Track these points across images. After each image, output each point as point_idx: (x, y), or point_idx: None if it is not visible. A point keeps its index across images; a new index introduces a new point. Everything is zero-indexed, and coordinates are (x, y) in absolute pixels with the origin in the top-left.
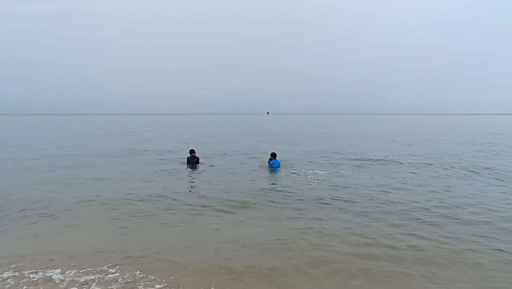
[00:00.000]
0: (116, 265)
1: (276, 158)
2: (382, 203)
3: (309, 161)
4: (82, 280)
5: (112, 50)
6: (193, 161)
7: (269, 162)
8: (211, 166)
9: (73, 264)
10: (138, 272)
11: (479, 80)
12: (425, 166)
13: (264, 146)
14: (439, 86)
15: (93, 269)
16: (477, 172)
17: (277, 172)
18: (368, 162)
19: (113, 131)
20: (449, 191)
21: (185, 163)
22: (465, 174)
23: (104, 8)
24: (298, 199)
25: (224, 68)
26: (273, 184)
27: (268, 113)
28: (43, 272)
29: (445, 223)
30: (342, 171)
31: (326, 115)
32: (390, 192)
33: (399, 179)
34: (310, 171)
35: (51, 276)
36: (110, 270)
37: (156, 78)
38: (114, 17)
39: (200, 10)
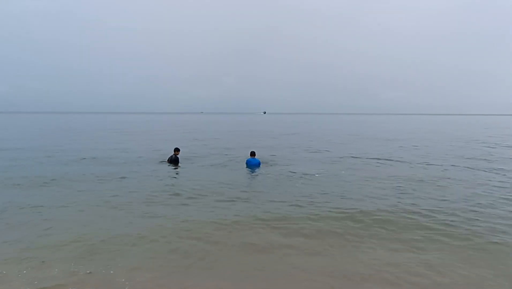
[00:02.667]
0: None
1: (256, 157)
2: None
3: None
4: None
5: (103, 51)
6: (174, 160)
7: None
8: (191, 164)
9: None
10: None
11: (468, 84)
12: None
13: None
14: (430, 88)
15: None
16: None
17: (254, 171)
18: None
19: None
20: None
21: (165, 161)
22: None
23: (99, 12)
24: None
25: (219, 67)
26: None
27: (265, 113)
28: None
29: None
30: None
31: (325, 115)
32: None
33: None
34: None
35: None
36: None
37: (147, 78)
38: (108, 20)
39: (195, 6)
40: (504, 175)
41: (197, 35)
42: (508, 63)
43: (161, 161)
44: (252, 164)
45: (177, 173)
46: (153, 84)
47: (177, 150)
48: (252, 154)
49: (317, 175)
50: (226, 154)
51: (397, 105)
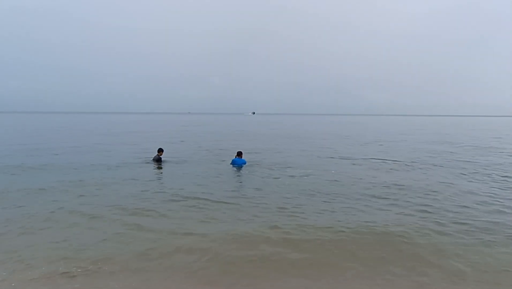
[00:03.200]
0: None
1: (242, 157)
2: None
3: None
4: None
5: (91, 51)
6: (157, 160)
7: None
8: (177, 164)
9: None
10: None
11: (456, 84)
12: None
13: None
14: (418, 89)
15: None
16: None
17: (239, 171)
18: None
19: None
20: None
21: (150, 162)
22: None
23: (88, 12)
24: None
25: (206, 67)
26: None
27: (254, 113)
28: None
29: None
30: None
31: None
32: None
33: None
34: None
35: None
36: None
37: (135, 78)
38: (94, 21)
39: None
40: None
41: (185, 36)
42: (491, 65)
43: (147, 162)
44: (238, 164)
45: (161, 173)
46: (140, 84)
47: (160, 150)
48: (239, 154)
49: (305, 177)
50: (215, 155)
51: (381, 106)
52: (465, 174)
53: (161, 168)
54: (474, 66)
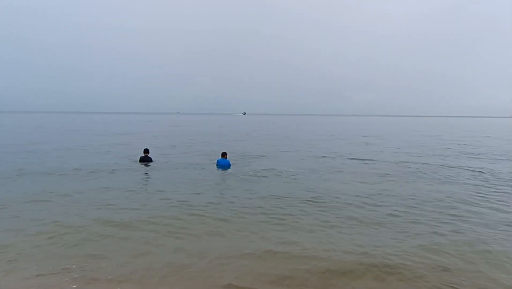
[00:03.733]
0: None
1: (226, 158)
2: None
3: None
4: None
5: (78, 50)
6: (146, 160)
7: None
8: (165, 162)
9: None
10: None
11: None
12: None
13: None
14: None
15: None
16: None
17: (225, 172)
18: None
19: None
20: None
21: (137, 162)
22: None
23: (70, 9)
24: None
25: (195, 67)
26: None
27: (244, 114)
28: None
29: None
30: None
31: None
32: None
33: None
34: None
35: None
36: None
37: (122, 78)
38: (79, 19)
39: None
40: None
41: (173, 34)
42: (476, 67)
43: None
44: (222, 164)
45: (146, 173)
46: (127, 84)
47: (146, 151)
48: (223, 154)
49: (292, 177)
50: (201, 155)
51: (371, 106)
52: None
53: (148, 166)
54: (468, 67)
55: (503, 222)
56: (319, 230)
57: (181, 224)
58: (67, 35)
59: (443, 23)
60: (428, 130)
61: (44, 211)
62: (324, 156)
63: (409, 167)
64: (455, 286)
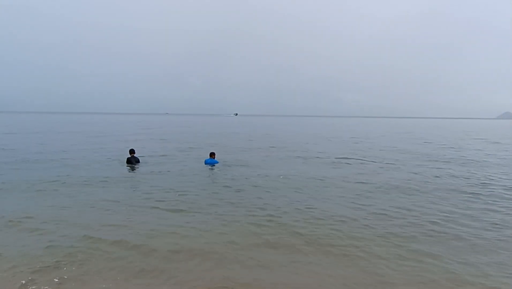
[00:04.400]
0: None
1: (215, 158)
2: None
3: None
4: None
5: (65, 49)
6: (133, 161)
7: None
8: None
9: None
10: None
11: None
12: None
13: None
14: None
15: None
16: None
17: (211, 171)
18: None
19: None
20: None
21: (124, 163)
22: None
23: (57, 9)
24: None
25: (185, 67)
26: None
27: (236, 114)
28: None
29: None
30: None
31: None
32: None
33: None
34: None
35: None
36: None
37: (110, 78)
38: (67, 18)
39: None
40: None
41: (163, 35)
42: (463, 70)
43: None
44: (209, 163)
45: (132, 174)
46: (115, 84)
47: (132, 151)
48: (212, 154)
49: (281, 177)
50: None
51: (358, 107)
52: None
53: (134, 169)
54: (456, 70)
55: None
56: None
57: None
58: (55, 34)
59: (432, 26)
60: (411, 132)
61: None
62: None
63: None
64: None
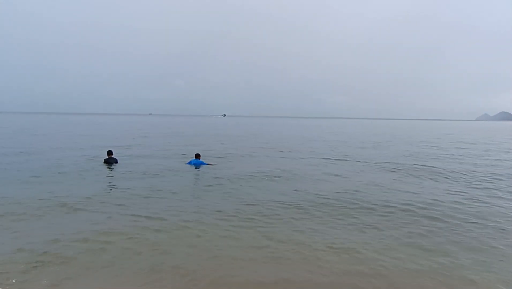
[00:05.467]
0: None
1: (200, 158)
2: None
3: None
4: None
5: (43, 47)
6: (112, 161)
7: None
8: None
9: None
10: None
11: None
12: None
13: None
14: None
15: None
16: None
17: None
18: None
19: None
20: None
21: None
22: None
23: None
24: None
25: (169, 68)
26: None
27: (224, 115)
28: None
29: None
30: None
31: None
32: None
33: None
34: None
35: None
36: None
37: (90, 78)
38: (49, 17)
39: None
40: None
41: (148, 35)
42: (442, 73)
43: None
44: (194, 163)
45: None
46: (97, 84)
47: (110, 152)
48: (197, 156)
49: (266, 178)
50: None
51: (341, 109)
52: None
53: (112, 169)
54: (428, 73)
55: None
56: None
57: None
58: (33, 32)
59: (412, 30)
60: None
61: None
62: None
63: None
64: None
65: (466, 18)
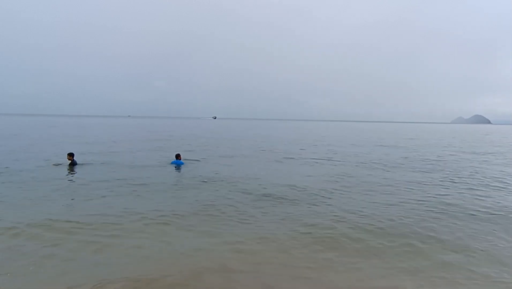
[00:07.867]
0: None
1: (180, 159)
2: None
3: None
4: None
5: (18, 48)
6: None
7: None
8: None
9: None
10: None
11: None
12: None
13: None
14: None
15: None
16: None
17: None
18: None
19: None
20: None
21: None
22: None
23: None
24: None
25: (149, 70)
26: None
27: (215, 118)
28: None
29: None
30: None
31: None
32: None
33: None
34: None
35: None
36: None
37: (67, 79)
38: (27, 17)
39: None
40: None
41: (128, 36)
42: (419, 76)
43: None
44: (175, 163)
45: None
46: (73, 85)
47: (70, 155)
48: (177, 156)
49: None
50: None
51: (324, 111)
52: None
53: (74, 172)
54: (408, 77)
55: None
56: None
57: None
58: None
59: (393, 34)
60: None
61: None
62: None
63: None
64: None
65: (443, 24)
